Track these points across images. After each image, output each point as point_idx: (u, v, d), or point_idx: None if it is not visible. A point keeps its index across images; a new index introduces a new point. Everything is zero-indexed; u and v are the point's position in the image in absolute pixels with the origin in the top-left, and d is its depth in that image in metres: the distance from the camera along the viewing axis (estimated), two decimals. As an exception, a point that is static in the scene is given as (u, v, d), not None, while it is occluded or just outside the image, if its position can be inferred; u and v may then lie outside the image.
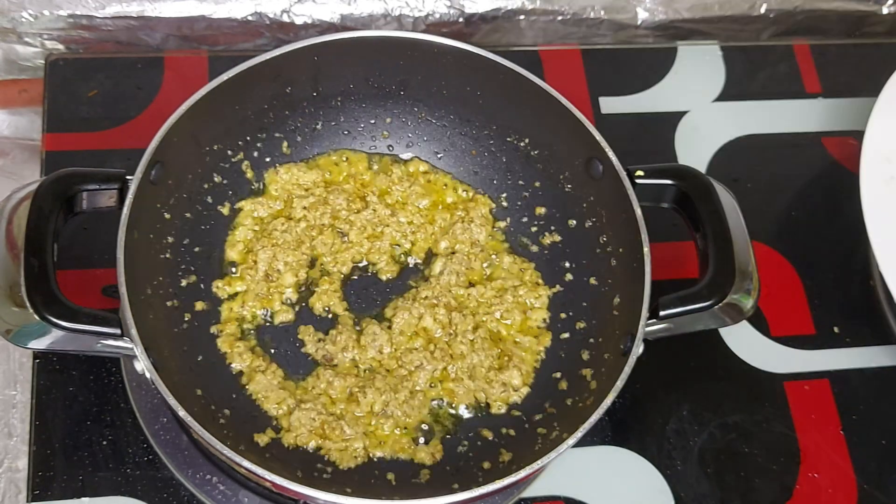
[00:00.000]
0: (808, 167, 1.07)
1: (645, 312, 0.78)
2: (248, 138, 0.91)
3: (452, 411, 0.85)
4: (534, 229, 0.94)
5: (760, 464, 0.90)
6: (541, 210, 0.93)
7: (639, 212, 0.83)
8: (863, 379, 0.95)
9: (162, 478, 0.84)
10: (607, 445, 0.89)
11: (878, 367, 0.96)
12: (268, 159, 0.92)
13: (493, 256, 0.92)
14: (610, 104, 1.07)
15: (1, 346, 0.89)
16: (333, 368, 0.85)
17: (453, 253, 0.91)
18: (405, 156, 0.96)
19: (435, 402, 0.85)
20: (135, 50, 1.06)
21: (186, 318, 0.85)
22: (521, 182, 0.94)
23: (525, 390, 0.86)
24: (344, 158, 0.95)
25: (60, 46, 1.04)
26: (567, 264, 0.91)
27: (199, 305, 0.86)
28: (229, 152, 0.90)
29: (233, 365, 0.84)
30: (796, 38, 1.16)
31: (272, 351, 0.86)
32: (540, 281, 0.91)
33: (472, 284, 0.90)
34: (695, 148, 1.05)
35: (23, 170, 1.00)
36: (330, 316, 0.88)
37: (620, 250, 0.86)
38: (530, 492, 0.87)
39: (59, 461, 0.83)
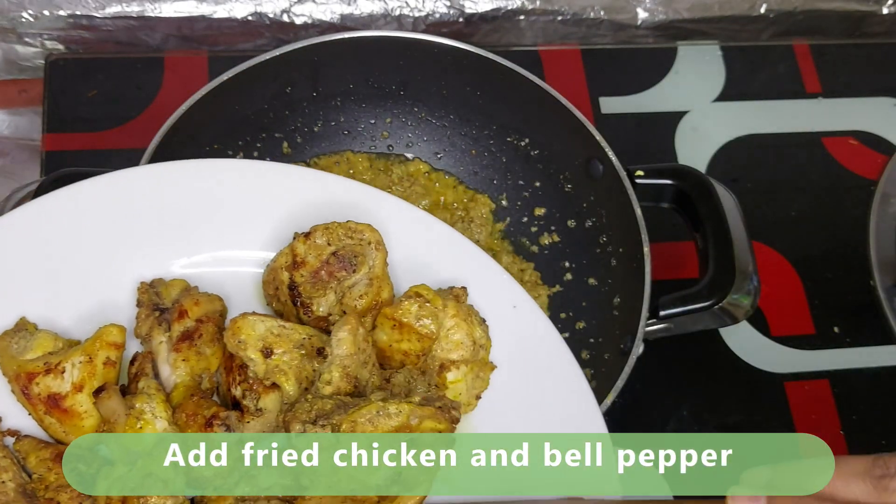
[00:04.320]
0: (808, 167, 1.07)
1: (645, 312, 0.78)
2: (248, 138, 0.91)
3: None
4: (534, 229, 0.93)
5: (760, 464, 0.90)
6: (541, 210, 0.93)
7: (639, 212, 0.83)
8: (863, 379, 0.95)
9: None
10: (607, 445, 0.89)
11: (878, 367, 0.96)
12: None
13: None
14: (610, 104, 1.07)
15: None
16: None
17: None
18: (405, 156, 0.96)
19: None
20: (135, 50, 1.06)
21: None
22: (521, 182, 0.94)
23: (525, 390, 0.86)
24: (344, 158, 0.95)
25: (60, 46, 1.04)
26: (567, 264, 0.91)
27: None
28: (229, 152, 0.90)
29: None
30: (796, 38, 1.15)
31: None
32: (540, 281, 0.91)
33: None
34: (695, 148, 1.05)
35: (23, 170, 1.00)
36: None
37: (620, 250, 0.86)
38: (530, 492, 0.87)
39: (59, 461, 0.83)
